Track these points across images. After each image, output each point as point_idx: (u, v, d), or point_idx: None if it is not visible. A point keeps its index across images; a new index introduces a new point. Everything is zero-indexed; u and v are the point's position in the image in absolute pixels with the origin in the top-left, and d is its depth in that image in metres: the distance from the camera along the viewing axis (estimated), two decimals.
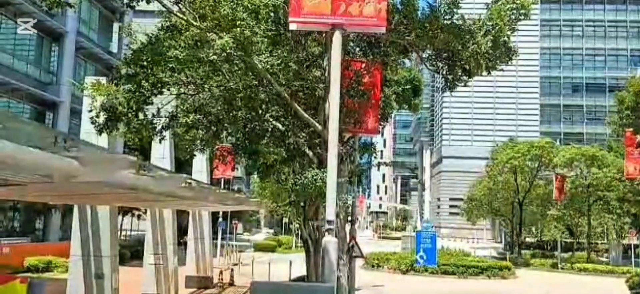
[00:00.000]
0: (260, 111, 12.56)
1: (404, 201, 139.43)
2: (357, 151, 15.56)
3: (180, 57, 10.91)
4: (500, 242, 70.49)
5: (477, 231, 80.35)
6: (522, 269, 40.15)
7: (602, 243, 53.12)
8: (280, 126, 12.69)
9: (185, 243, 26.42)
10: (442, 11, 11.33)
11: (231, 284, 25.98)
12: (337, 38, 9.01)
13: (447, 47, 11.22)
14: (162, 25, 12.12)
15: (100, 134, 11.79)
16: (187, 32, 11.13)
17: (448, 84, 12.40)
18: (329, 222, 8.61)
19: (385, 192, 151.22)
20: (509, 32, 11.23)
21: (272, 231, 66.74)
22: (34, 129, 8.19)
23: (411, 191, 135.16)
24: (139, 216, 39.31)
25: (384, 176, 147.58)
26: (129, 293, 18.19)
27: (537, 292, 30.55)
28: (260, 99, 12.24)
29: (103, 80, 12.42)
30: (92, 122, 11.58)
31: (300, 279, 19.40)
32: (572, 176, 44.49)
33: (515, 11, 10.98)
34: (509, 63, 12.11)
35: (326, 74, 10.77)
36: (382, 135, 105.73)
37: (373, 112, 13.32)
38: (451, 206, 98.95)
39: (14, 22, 29.68)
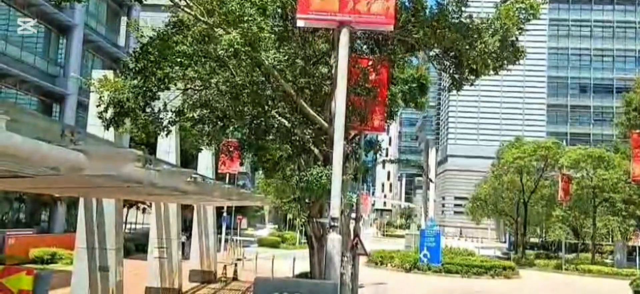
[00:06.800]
0: (266, 107, 12.55)
1: (408, 199, 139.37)
2: (362, 149, 15.55)
3: (188, 52, 10.92)
4: (505, 242, 70.36)
5: (481, 230, 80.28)
6: (525, 269, 40.06)
7: (606, 245, 52.92)
8: (286, 123, 12.68)
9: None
10: (450, 10, 11.28)
11: (235, 279, 26.06)
12: (344, 35, 8.99)
13: (455, 46, 11.17)
14: (169, 20, 12.12)
15: (108, 129, 11.83)
16: (195, 28, 11.13)
17: (455, 83, 12.35)
18: (333, 219, 8.61)
19: (390, 190, 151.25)
20: (517, 32, 11.17)
21: (276, 226, 66.83)
22: (41, 121, 8.23)
23: (416, 189, 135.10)
24: (144, 210, 39.46)
25: (389, 173, 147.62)
26: (133, 286, 18.30)
27: (541, 293, 30.49)
28: (267, 95, 12.23)
29: (110, 74, 12.44)
30: (100, 118, 11.63)
31: (304, 275, 19.40)
32: (578, 177, 44.29)
33: (524, 11, 10.92)
34: (517, 63, 12.05)
35: (333, 71, 10.76)
36: (388, 133, 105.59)
37: (379, 110, 13.30)
38: (456, 205, 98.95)
39: (22, 14, 29.80)
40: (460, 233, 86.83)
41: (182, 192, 13.47)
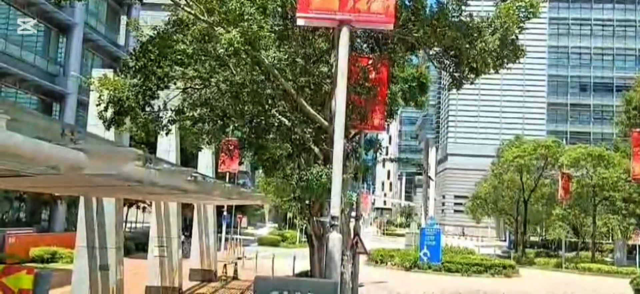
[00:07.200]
0: (266, 106, 12.56)
1: (408, 197, 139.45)
2: (362, 147, 15.56)
3: (188, 51, 10.92)
4: (505, 240, 70.36)
5: (481, 229, 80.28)
6: (526, 268, 40.08)
7: (606, 243, 52.91)
8: (286, 121, 12.69)
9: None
10: (450, 8, 11.28)
11: (235, 278, 26.07)
12: (344, 34, 8.98)
13: (455, 45, 11.17)
14: (169, 19, 12.12)
15: (108, 129, 11.84)
16: (194, 27, 11.13)
17: (455, 81, 12.35)
18: (333, 218, 8.61)
19: (390, 189, 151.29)
20: (517, 31, 11.17)
21: (276, 225, 66.86)
22: (41, 120, 8.23)
23: (416, 188, 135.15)
24: (144, 209, 39.49)
25: (389, 172, 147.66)
26: (133, 285, 18.30)
27: (541, 291, 30.48)
28: (267, 94, 12.23)
29: (110, 73, 12.45)
30: (100, 118, 11.63)
31: (304, 274, 19.42)
32: (578, 175, 44.27)
33: (524, 10, 10.91)
34: (517, 62, 12.05)
35: (333, 70, 10.75)
36: (388, 131, 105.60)
37: (379, 109, 13.30)
38: (456, 204, 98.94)
39: (22, 14, 29.79)
40: (463, 232, 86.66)
41: (182, 191, 13.48)
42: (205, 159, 25.46)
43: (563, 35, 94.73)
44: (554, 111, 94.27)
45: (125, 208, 34.32)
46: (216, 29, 9.95)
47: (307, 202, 13.65)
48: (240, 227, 43.55)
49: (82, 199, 14.27)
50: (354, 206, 15.21)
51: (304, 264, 21.23)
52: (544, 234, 59.83)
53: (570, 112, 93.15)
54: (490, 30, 11.01)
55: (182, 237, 25.60)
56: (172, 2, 11.50)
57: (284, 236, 52.09)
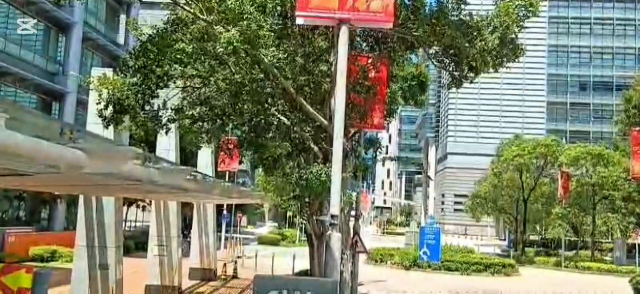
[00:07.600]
0: (266, 105, 12.56)
1: (408, 196, 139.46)
2: (362, 146, 15.56)
3: (187, 50, 10.92)
4: (504, 239, 70.40)
5: (480, 228, 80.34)
6: (525, 267, 40.10)
7: (606, 242, 52.89)
8: (285, 120, 12.69)
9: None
10: (450, 7, 11.29)
11: (234, 276, 26.08)
12: (343, 33, 8.98)
13: (454, 44, 11.17)
14: (168, 18, 12.11)
15: (107, 127, 11.84)
16: (194, 25, 11.13)
17: (454, 80, 12.37)
18: (333, 217, 8.61)
19: (390, 188, 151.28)
20: (516, 30, 11.17)
21: (276, 224, 66.85)
22: (40, 119, 8.22)
23: (416, 187, 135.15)
24: (143, 208, 39.45)
25: (388, 171, 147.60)
26: (133, 284, 18.29)
27: (540, 290, 30.49)
28: (266, 93, 12.23)
29: (109, 72, 12.43)
30: (100, 116, 11.63)
31: (304, 273, 19.44)
32: (577, 174, 44.28)
33: (523, 9, 10.92)
34: (516, 60, 12.05)
35: (332, 69, 10.75)
36: (388, 130, 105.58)
37: (379, 108, 13.30)
38: (456, 203, 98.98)
39: (22, 13, 29.76)
40: (465, 231, 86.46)
41: (182, 190, 13.47)
42: (204, 158, 25.45)
43: (563, 34, 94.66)
44: (553, 110, 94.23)
45: (125, 207, 34.30)
46: (215, 27, 9.95)
47: (306, 201, 13.65)
48: (240, 226, 43.54)
49: (81, 198, 14.26)
50: (354, 205, 15.21)
51: (303, 263, 21.24)
52: (543, 233, 59.83)
53: (570, 111, 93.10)
54: (489, 29, 11.02)
55: (181, 236, 25.61)
56: (171, 1, 11.50)
57: (284, 235, 52.09)
